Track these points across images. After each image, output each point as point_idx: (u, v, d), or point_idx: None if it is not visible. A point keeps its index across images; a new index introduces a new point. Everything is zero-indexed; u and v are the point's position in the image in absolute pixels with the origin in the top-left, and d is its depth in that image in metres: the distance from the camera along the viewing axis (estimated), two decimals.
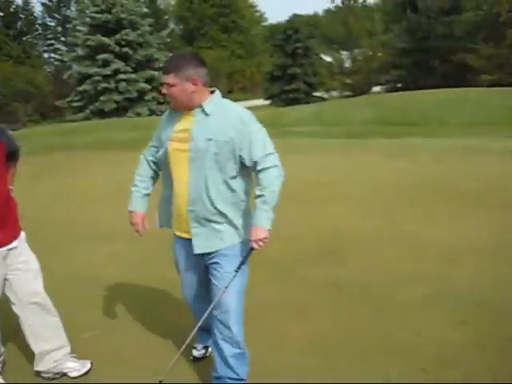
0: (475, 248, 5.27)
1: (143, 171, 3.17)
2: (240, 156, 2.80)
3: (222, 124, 2.80)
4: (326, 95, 44.96)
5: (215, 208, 2.82)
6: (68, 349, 3.37)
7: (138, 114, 30.57)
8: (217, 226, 2.86)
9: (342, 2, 50.65)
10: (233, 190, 2.85)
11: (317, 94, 43.79)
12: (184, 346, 2.99)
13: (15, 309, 3.19)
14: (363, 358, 3.41)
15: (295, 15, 56.17)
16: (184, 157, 2.84)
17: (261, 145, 2.81)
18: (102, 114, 30.42)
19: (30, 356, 3.37)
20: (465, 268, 4.81)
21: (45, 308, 3.22)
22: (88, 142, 14.76)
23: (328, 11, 64.51)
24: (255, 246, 2.80)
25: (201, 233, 2.88)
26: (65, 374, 3.35)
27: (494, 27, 35.13)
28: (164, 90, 2.84)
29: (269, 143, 2.86)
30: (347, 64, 50.72)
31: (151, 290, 4.64)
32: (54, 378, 3.33)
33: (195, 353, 3.46)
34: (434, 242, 5.57)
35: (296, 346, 3.57)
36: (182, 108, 2.89)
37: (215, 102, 2.87)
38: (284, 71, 42.48)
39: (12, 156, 3.17)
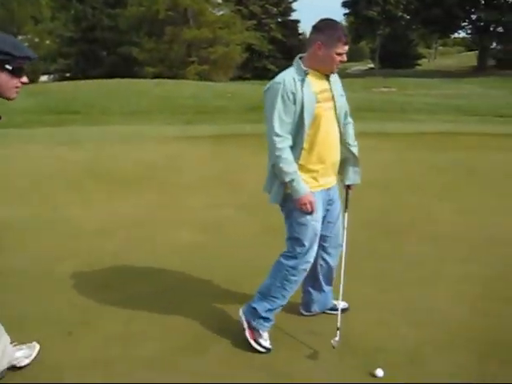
0: (128, 224, 5.80)
1: (290, 156, 3.14)
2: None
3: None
4: None
5: None
6: (8, 338, 2.98)
7: None
8: None
9: None
10: None
11: None
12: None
13: None
14: None
15: None
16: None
17: None
18: None
19: None
20: (115, 241, 5.29)
21: None
22: None
23: None
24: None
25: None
26: (14, 366, 3.04)
27: (155, 23, 37.37)
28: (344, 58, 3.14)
29: None
30: None
31: None
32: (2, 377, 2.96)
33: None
34: (89, 221, 5.91)
35: None
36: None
37: None
38: None
39: None
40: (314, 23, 3.18)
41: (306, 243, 3.22)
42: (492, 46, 48.96)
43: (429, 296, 4.05)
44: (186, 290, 4.18)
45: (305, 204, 3.13)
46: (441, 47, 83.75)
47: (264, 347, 3.28)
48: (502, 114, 16.10)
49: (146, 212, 6.24)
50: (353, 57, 71.17)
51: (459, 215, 6.12)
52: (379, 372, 3.03)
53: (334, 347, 3.21)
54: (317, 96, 3.12)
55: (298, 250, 3.24)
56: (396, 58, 54.36)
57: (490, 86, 31.09)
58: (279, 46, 49.21)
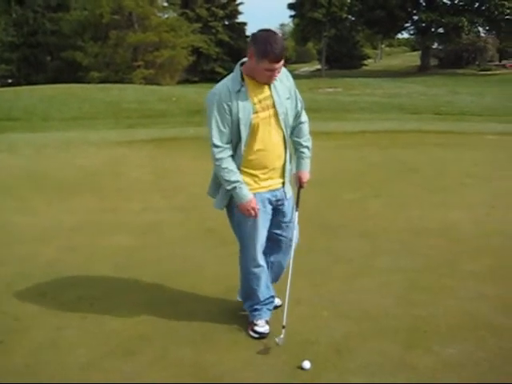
0: (66, 229, 5.74)
1: (231, 165, 3.19)
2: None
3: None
4: None
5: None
6: None
7: None
8: None
9: None
10: None
11: None
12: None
13: None
14: None
15: None
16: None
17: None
18: None
19: None
20: (53, 247, 5.21)
21: None
22: None
23: None
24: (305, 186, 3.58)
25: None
26: None
27: (99, 27, 36.83)
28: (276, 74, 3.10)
29: None
30: None
31: None
32: None
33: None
34: (26, 227, 5.81)
35: None
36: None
37: None
38: None
39: None
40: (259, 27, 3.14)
41: (246, 242, 3.36)
42: (434, 46, 50.27)
43: (357, 289, 4.17)
44: (121, 295, 4.17)
45: (247, 210, 3.23)
46: (387, 48, 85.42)
47: (258, 333, 3.46)
48: (441, 112, 16.61)
49: (84, 217, 6.18)
50: (301, 58, 71.98)
51: (391, 210, 6.30)
52: (306, 364, 3.11)
53: (278, 345, 3.32)
54: (254, 106, 3.13)
55: (241, 248, 3.43)
56: (342, 59, 55.19)
57: (431, 85, 31.96)
58: (227, 49, 49.26)
